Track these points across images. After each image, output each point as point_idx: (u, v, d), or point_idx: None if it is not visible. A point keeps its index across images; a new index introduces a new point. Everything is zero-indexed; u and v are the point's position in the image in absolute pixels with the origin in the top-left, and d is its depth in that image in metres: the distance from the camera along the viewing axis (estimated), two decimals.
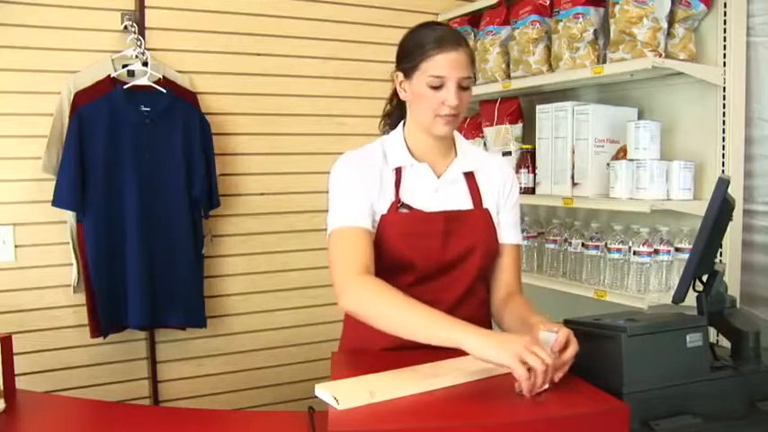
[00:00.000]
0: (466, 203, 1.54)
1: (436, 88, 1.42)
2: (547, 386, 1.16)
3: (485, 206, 1.55)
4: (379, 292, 1.35)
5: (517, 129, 2.49)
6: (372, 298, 1.35)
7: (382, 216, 1.48)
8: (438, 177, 1.53)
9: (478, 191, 1.55)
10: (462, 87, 1.44)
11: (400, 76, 1.49)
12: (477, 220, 1.53)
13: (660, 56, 1.97)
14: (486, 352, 1.18)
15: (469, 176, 1.56)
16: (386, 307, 1.33)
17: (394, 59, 1.52)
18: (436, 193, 1.52)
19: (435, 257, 1.48)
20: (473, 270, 1.52)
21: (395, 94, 1.57)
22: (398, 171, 1.51)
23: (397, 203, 1.48)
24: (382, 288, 1.35)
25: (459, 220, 1.50)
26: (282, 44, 2.57)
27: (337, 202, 1.49)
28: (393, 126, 1.60)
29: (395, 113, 1.63)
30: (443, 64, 1.41)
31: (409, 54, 1.46)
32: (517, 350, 1.14)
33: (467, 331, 1.22)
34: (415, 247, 1.47)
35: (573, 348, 1.21)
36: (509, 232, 1.59)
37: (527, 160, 2.37)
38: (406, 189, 1.50)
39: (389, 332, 1.32)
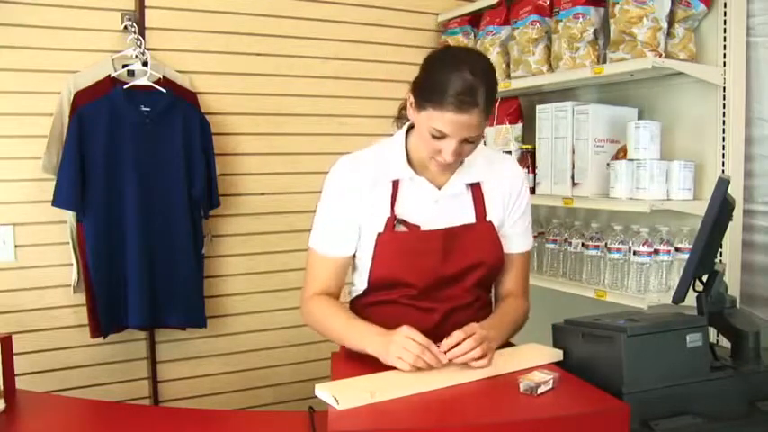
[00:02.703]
0: (468, 217, 1.49)
1: (437, 138, 1.35)
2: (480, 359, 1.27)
3: (488, 219, 1.49)
4: (320, 312, 1.48)
5: (517, 129, 2.49)
6: (316, 318, 1.49)
7: (378, 234, 1.44)
8: (439, 189, 1.47)
9: (483, 203, 1.50)
10: (467, 141, 1.36)
11: (411, 98, 1.39)
12: (480, 234, 1.48)
13: (660, 56, 1.97)
14: (379, 356, 1.32)
15: (475, 187, 1.50)
16: (323, 324, 1.48)
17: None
18: (436, 204, 1.47)
19: (434, 274, 1.45)
20: (473, 283, 1.50)
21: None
22: (396, 184, 1.46)
23: (393, 220, 1.45)
24: (323, 308, 1.48)
25: (459, 237, 1.46)
26: (282, 44, 2.57)
27: (320, 223, 1.51)
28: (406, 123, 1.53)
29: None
30: (450, 123, 1.31)
31: (425, 90, 1.34)
32: (392, 351, 1.28)
33: (368, 337, 1.37)
34: (413, 266, 1.44)
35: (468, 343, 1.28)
36: (517, 242, 1.56)
37: (527, 160, 2.37)
38: (403, 203, 1.46)
39: (336, 343, 1.50)
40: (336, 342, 1.50)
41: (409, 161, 1.47)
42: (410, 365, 1.26)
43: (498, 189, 1.52)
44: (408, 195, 1.47)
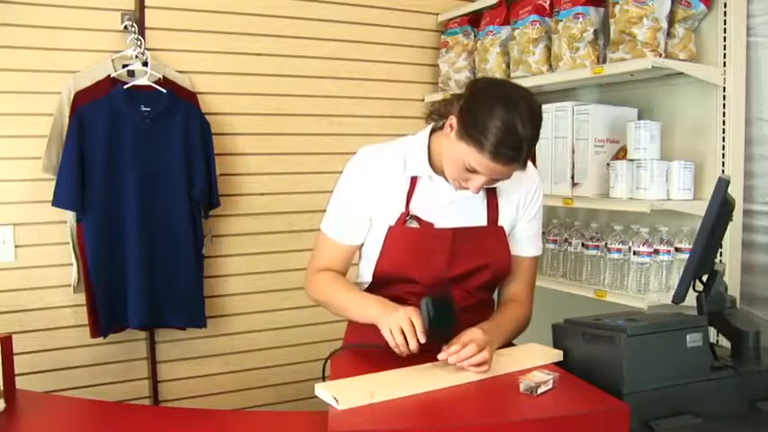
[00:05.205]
0: (480, 219, 1.49)
1: (468, 170, 1.34)
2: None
3: (499, 224, 1.50)
4: (326, 283, 1.52)
5: None
6: (322, 290, 1.53)
7: (389, 227, 1.46)
8: (456, 189, 1.47)
9: (496, 207, 1.50)
10: (496, 180, 1.37)
11: (454, 122, 1.36)
12: (489, 238, 1.49)
13: (660, 56, 1.97)
14: (376, 322, 1.37)
15: (490, 191, 1.50)
16: (328, 295, 1.51)
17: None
18: (451, 205, 1.47)
19: (439, 273, 1.45)
20: (477, 286, 1.50)
21: (454, 96, 1.48)
22: (414, 180, 1.47)
23: (406, 216, 1.45)
24: (328, 280, 1.52)
25: (468, 238, 1.46)
26: (282, 44, 2.57)
27: (335, 209, 1.53)
28: (439, 119, 1.51)
29: (441, 110, 1.52)
30: (486, 167, 1.31)
31: (468, 124, 1.31)
32: (389, 321, 1.33)
33: (370, 304, 1.42)
34: (420, 263, 1.45)
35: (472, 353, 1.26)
36: (524, 245, 1.56)
37: None
38: (418, 200, 1.47)
39: (339, 315, 1.54)
40: (339, 313, 1.54)
41: (430, 161, 1.47)
42: (394, 344, 1.31)
43: (514, 190, 1.52)
44: (424, 193, 1.47)
